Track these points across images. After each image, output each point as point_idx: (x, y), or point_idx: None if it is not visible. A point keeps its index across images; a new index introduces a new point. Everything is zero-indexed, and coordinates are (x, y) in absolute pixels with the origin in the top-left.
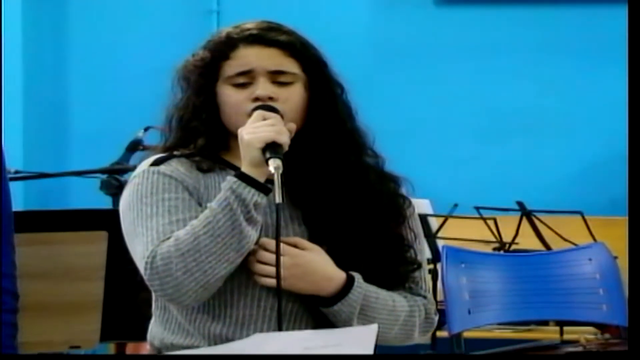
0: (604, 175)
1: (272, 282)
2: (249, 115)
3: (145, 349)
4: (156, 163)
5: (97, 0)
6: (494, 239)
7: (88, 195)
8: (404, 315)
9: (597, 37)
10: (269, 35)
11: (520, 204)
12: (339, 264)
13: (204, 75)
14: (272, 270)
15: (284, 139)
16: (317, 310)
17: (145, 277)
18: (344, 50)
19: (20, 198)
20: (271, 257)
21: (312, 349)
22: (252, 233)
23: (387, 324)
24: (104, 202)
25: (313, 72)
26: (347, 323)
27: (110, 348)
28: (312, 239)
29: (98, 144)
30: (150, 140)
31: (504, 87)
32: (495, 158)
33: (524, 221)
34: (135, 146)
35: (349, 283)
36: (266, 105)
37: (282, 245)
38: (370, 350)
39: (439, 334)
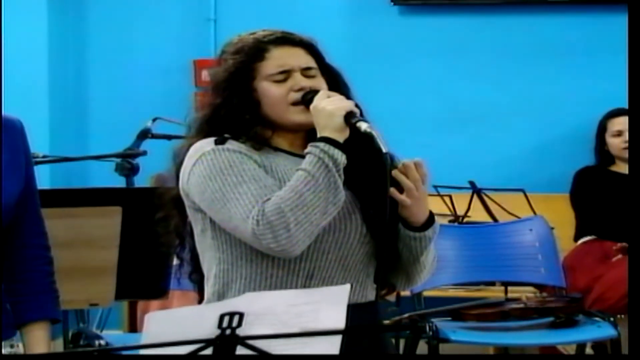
0: (542, 158)
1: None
2: (293, 103)
3: (154, 306)
4: (220, 143)
5: (113, 7)
6: (449, 213)
7: (105, 176)
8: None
9: (535, 43)
10: (292, 37)
11: (471, 183)
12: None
13: (241, 76)
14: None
15: (356, 109)
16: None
17: (252, 233)
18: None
19: (47, 179)
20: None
21: (296, 306)
22: (342, 188)
23: (432, 257)
24: (118, 182)
25: (322, 64)
26: (424, 250)
27: (124, 305)
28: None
29: (113, 132)
30: (157, 130)
31: (458, 84)
32: (450, 144)
33: (475, 198)
34: (145, 134)
35: (432, 216)
36: (314, 90)
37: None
38: (344, 306)
39: (403, 293)
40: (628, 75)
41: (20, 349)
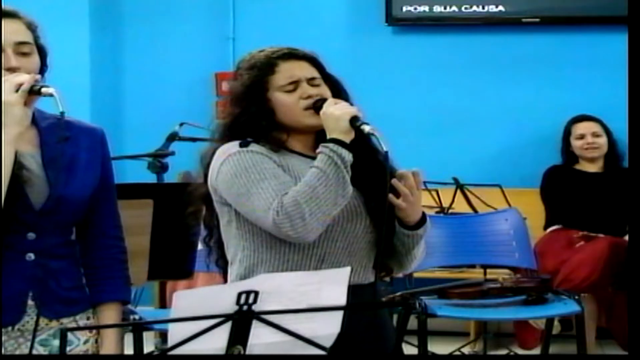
0: (515, 157)
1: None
2: (305, 109)
3: (181, 286)
4: (244, 145)
5: (146, 27)
6: (436, 205)
7: (139, 173)
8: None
9: (509, 58)
10: (297, 52)
11: (455, 179)
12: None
13: (255, 89)
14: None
15: (360, 114)
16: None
17: (273, 222)
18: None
19: None
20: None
21: (302, 285)
22: (350, 183)
23: (422, 250)
24: (150, 178)
25: (324, 74)
26: (415, 245)
27: (155, 284)
28: (369, 209)
29: (146, 135)
30: (183, 133)
31: (442, 94)
32: (436, 145)
33: (458, 192)
34: (173, 137)
35: (424, 217)
36: (323, 98)
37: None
38: (344, 285)
39: (395, 275)
40: (628, 75)
41: (93, 322)
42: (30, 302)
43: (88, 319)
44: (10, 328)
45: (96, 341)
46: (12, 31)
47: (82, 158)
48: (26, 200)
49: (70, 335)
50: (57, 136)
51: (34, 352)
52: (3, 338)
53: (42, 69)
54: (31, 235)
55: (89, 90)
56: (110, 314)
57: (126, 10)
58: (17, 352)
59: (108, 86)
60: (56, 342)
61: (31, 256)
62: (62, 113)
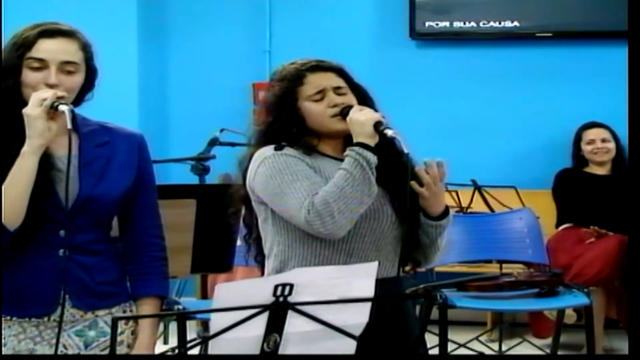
0: (530, 161)
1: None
2: (332, 116)
3: (221, 279)
4: (279, 149)
5: (190, 39)
6: (455, 205)
7: (183, 175)
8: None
9: (524, 69)
10: (323, 64)
11: (473, 181)
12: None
13: (286, 99)
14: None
15: (383, 119)
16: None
17: (305, 220)
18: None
19: None
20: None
21: (333, 279)
22: (375, 183)
23: (445, 241)
24: (193, 180)
25: (351, 83)
26: (439, 235)
27: (197, 277)
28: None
29: (189, 140)
30: (224, 138)
31: (462, 102)
32: (456, 149)
33: (476, 193)
34: (214, 142)
35: (447, 209)
36: (349, 105)
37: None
38: (372, 279)
39: (418, 269)
40: (628, 76)
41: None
42: (63, 295)
43: (124, 312)
44: (46, 319)
45: (132, 332)
46: (61, 50)
47: (117, 161)
48: (57, 200)
49: (105, 327)
50: (95, 141)
51: (70, 341)
52: (40, 328)
53: (88, 88)
54: (62, 233)
55: (137, 98)
56: (147, 307)
57: (171, 23)
58: (54, 341)
59: (154, 94)
60: (92, 333)
61: (63, 252)
62: (69, 129)
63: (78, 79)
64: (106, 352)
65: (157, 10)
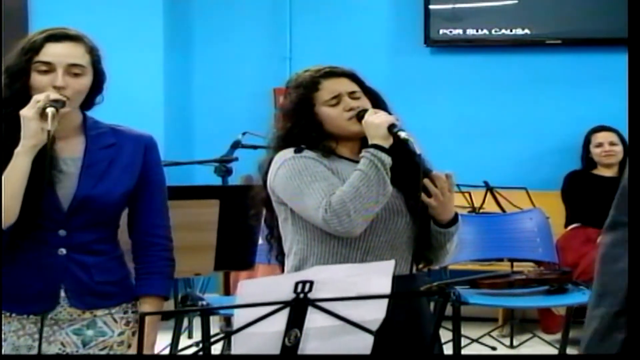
0: (540, 163)
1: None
2: (349, 119)
3: (243, 276)
4: (298, 152)
5: (213, 47)
6: (468, 205)
7: (206, 176)
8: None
9: (534, 75)
10: (336, 70)
11: (485, 182)
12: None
13: (304, 105)
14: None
15: (397, 122)
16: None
17: (323, 219)
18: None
19: None
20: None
21: (352, 276)
22: (389, 183)
23: (455, 245)
24: (216, 181)
25: (364, 88)
26: (447, 242)
27: (220, 274)
28: (409, 207)
29: (213, 143)
30: (246, 141)
31: (474, 106)
32: (469, 152)
33: (488, 194)
34: (236, 145)
35: (456, 216)
36: (364, 109)
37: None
38: (389, 277)
39: (431, 267)
40: (628, 78)
41: (129, 315)
42: (62, 294)
43: (125, 312)
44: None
45: (133, 334)
46: (68, 54)
47: (121, 162)
48: (56, 200)
49: (104, 327)
50: (101, 144)
51: (68, 339)
52: (39, 325)
53: (97, 91)
54: (62, 232)
55: (163, 103)
56: (147, 307)
57: (195, 33)
58: (52, 339)
59: (179, 99)
60: (90, 332)
61: (63, 251)
62: (48, 131)
63: (85, 81)
64: (105, 352)
65: (182, 20)
